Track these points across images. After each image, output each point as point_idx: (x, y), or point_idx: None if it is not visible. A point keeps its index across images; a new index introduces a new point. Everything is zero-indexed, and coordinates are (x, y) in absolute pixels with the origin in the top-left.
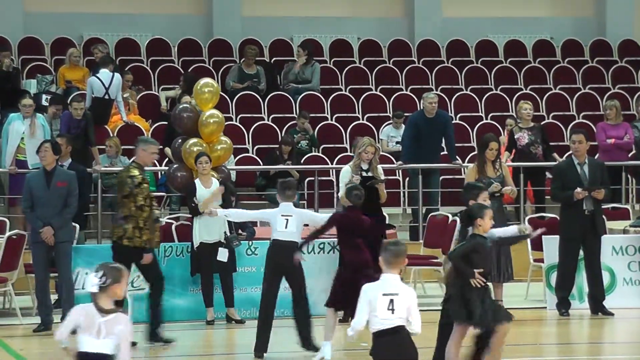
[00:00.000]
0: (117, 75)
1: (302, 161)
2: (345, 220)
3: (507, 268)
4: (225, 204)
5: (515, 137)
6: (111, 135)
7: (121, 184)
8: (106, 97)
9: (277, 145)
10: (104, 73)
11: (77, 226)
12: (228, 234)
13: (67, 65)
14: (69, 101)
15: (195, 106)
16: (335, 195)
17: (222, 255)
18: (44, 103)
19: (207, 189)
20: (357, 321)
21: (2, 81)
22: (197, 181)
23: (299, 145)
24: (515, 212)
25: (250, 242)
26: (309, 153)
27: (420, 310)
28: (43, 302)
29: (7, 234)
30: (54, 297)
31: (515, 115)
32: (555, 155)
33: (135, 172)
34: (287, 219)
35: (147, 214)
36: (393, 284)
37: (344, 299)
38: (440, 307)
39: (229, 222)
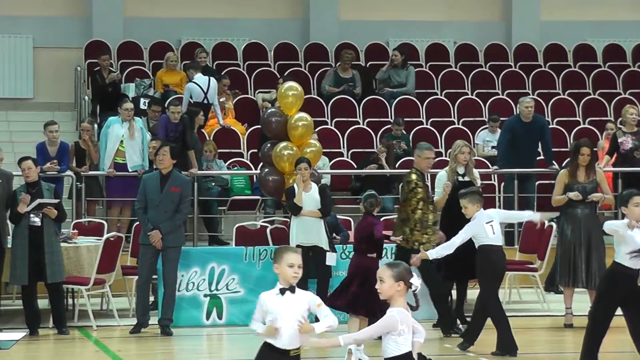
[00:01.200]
0: (213, 80)
1: (397, 165)
2: (359, 226)
3: (599, 274)
4: (324, 207)
5: (619, 141)
6: (207, 139)
7: (401, 189)
8: (205, 101)
9: (371, 150)
10: (200, 78)
11: None
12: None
13: (165, 70)
14: (166, 105)
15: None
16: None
17: (331, 259)
18: (142, 106)
19: (306, 193)
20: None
21: (106, 88)
22: (295, 186)
23: (395, 151)
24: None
25: (345, 246)
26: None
27: (515, 316)
28: (141, 302)
29: (105, 236)
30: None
31: (612, 120)
32: None
33: (412, 177)
34: (492, 225)
35: (419, 216)
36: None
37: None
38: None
39: (326, 225)
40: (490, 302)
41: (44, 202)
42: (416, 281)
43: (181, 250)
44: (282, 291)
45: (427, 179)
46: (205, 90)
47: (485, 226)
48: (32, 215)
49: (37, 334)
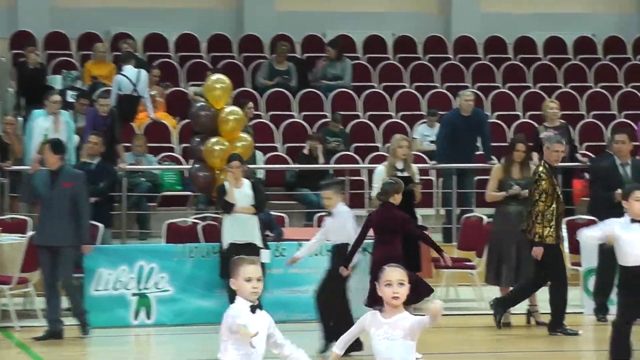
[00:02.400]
0: (144, 72)
1: (332, 160)
2: (378, 217)
3: (528, 273)
4: (258, 203)
5: (541, 136)
6: (137, 132)
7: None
8: (134, 94)
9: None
10: (129, 70)
11: (102, 225)
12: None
13: (94, 61)
14: (94, 97)
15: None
16: (367, 195)
17: (265, 257)
18: (69, 99)
19: (238, 189)
20: None
21: (30, 78)
22: (226, 183)
23: (330, 144)
24: None
25: (279, 243)
26: (340, 152)
27: (453, 315)
28: (49, 307)
29: (29, 233)
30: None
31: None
32: (579, 155)
33: (539, 169)
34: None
35: (541, 209)
36: None
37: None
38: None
39: (260, 222)
40: (337, 301)
41: None
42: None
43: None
44: (253, 309)
45: (365, 174)
46: (134, 83)
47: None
48: None
49: None
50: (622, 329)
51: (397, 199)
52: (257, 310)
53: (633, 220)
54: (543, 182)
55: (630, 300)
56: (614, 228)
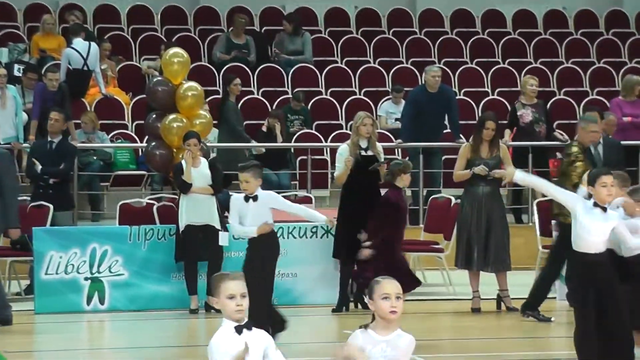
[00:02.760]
0: (94, 45)
1: (294, 139)
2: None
3: (497, 256)
4: (216, 183)
5: (518, 113)
6: (89, 109)
7: (560, 162)
8: (84, 68)
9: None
10: (79, 43)
11: (51, 206)
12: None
13: (41, 33)
14: (43, 72)
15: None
16: (329, 175)
17: (223, 239)
18: (16, 73)
19: (195, 168)
20: None
21: None
22: (183, 162)
23: (291, 124)
24: (517, 196)
25: None
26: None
27: (419, 300)
28: None
29: None
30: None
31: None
32: (557, 134)
33: (572, 150)
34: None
35: None
36: None
37: None
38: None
39: (218, 203)
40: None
41: None
42: None
43: None
44: (239, 330)
45: (327, 153)
46: (84, 57)
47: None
48: None
49: None
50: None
51: (405, 180)
52: (246, 330)
53: (596, 205)
54: (579, 164)
55: (579, 290)
56: (576, 204)
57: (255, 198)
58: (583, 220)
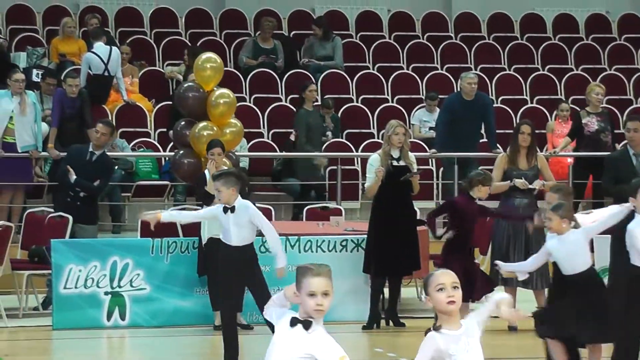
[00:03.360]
0: (115, 49)
1: (323, 148)
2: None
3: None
4: (241, 196)
5: (583, 122)
6: (109, 116)
7: None
8: (105, 73)
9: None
10: (100, 47)
11: (70, 217)
12: None
13: (61, 37)
14: (62, 77)
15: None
16: (360, 186)
17: None
18: (35, 79)
19: None
20: None
21: None
22: (206, 172)
23: (325, 135)
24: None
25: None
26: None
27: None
28: None
29: None
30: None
31: (564, 99)
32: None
33: None
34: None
35: None
36: None
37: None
38: None
39: None
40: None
41: None
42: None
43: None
44: (293, 322)
45: (358, 163)
46: (105, 62)
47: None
48: None
49: None
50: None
51: (482, 192)
52: (300, 326)
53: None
54: None
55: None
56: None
57: (232, 209)
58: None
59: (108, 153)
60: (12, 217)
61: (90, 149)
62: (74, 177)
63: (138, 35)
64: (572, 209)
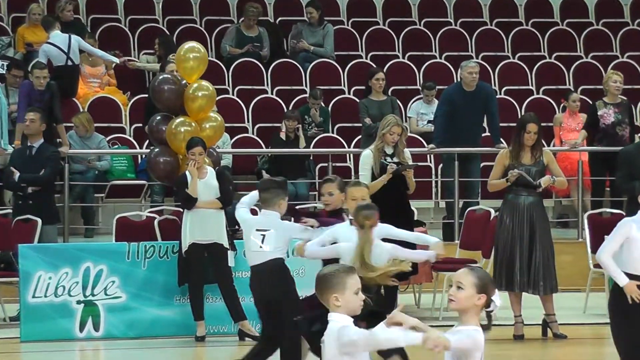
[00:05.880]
0: (75, 37)
1: (312, 143)
2: None
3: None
4: (225, 195)
5: (599, 114)
6: (81, 109)
7: None
8: (69, 63)
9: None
10: (57, 36)
11: (39, 220)
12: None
13: (27, 25)
14: (29, 68)
15: (177, 76)
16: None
17: (231, 259)
18: (0, 70)
19: (201, 180)
20: None
21: None
22: (187, 173)
23: (309, 128)
24: (565, 207)
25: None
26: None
27: (452, 326)
28: None
29: None
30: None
31: (572, 89)
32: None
33: None
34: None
35: None
36: None
37: None
38: None
39: (227, 218)
40: None
41: None
42: (497, 300)
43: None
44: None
45: (350, 159)
46: (66, 51)
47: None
48: None
49: None
50: None
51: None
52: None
53: None
54: None
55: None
56: (630, 229)
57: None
58: None
59: (83, 150)
60: None
61: (29, 143)
62: (17, 174)
63: (111, 23)
64: None
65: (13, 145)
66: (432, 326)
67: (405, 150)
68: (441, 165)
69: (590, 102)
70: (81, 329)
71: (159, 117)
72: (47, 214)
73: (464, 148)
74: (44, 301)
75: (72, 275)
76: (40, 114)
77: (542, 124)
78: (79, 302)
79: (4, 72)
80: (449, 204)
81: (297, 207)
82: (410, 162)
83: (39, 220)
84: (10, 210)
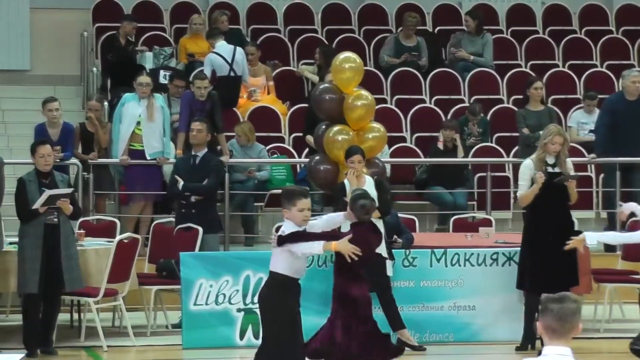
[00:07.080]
0: (239, 49)
1: (471, 153)
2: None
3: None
4: (383, 205)
5: None
6: (241, 119)
7: None
8: (232, 74)
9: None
10: (222, 46)
11: (200, 229)
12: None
13: (189, 36)
14: (191, 79)
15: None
16: (511, 194)
17: (389, 268)
18: (162, 80)
19: None
20: None
21: (119, 56)
22: (346, 181)
23: (468, 138)
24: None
25: (408, 251)
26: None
27: (615, 338)
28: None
29: (118, 237)
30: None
31: None
32: None
33: None
34: None
35: None
36: None
37: None
38: None
39: (385, 228)
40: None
41: (55, 193)
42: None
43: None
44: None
45: (509, 169)
46: (230, 62)
47: None
48: (48, 211)
49: (36, 355)
50: None
51: None
52: None
53: None
54: None
55: None
56: None
57: None
58: None
59: (244, 160)
60: (141, 228)
61: (193, 152)
62: (182, 183)
63: (271, 33)
64: None
65: (175, 155)
66: (592, 339)
67: (567, 160)
68: (602, 175)
69: None
70: (241, 337)
71: (323, 126)
72: (209, 223)
73: (626, 158)
74: (205, 309)
75: (232, 284)
76: (206, 125)
77: None
78: (239, 310)
79: (167, 82)
80: (610, 215)
81: (455, 216)
82: (572, 173)
83: (200, 229)
84: (173, 219)
